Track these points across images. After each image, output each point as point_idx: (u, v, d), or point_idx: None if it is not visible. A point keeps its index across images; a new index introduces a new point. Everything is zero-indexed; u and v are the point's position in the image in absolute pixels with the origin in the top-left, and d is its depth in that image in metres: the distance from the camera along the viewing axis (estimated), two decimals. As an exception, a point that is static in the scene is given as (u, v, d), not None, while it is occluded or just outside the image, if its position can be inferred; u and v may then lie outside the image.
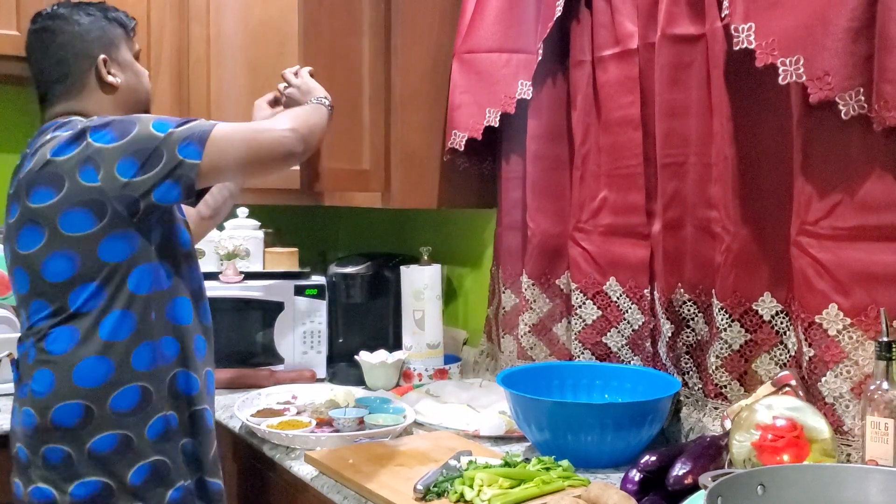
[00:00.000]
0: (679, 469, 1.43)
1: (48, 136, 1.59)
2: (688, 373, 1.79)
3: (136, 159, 1.53)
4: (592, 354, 2.00)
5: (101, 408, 1.54)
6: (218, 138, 1.56)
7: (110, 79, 1.69)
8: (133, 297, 1.56)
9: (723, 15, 1.58)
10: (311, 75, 1.95)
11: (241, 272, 2.48)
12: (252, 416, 1.99)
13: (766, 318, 1.63)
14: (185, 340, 1.65)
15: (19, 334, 1.65)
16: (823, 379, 1.48)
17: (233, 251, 2.49)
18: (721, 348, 1.67)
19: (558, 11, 1.98)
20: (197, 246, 2.49)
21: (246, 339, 2.47)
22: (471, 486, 1.47)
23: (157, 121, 1.57)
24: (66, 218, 1.53)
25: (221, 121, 2.39)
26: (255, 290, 2.45)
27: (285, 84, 1.96)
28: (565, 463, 1.58)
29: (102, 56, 1.69)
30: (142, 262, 1.57)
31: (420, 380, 2.36)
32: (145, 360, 1.58)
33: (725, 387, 1.68)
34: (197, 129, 1.56)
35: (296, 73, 1.97)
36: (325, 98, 1.87)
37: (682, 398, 1.80)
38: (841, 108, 1.40)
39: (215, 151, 1.55)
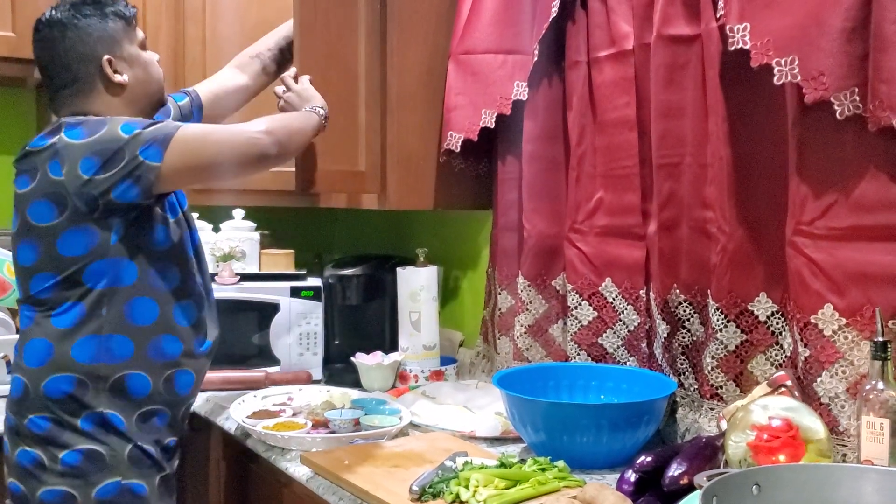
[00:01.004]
0: (675, 469, 1.43)
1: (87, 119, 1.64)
2: (683, 373, 1.79)
3: (98, 158, 1.57)
4: (588, 355, 2.00)
5: (36, 389, 1.62)
6: (182, 140, 1.60)
7: (117, 78, 1.70)
8: (86, 290, 1.63)
9: (718, 15, 1.59)
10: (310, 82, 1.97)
11: (237, 274, 2.48)
12: (248, 417, 1.99)
13: (762, 318, 1.63)
14: (140, 341, 1.67)
15: (17, 336, 1.75)
16: (819, 379, 1.48)
17: (229, 253, 2.49)
18: (717, 349, 1.67)
19: (554, 12, 1.98)
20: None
21: (242, 341, 2.47)
22: (466, 487, 1.47)
23: (127, 123, 1.61)
24: (33, 208, 1.61)
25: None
26: (250, 292, 2.45)
27: (284, 88, 1.96)
28: (561, 464, 1.58)
29: (106, 56, 1.68)
30: (99, 258, 1.62)
31: (416, 381, 2.35)
32: (86, 353, 1.63)
33: (721, 387, 1.68)
34: (161, 132, 1.60)
35: (296, 79, 1.97)
36: (322, 108, 1.90)
37: (677, 399, 1.80)
38: (836, 108, 1.40)
39: (178, 153, 1.59)
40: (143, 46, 1.77)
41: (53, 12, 1.71)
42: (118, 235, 1.63)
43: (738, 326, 1.65)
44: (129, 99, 1.72)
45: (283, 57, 2.18)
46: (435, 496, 1.48)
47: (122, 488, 1.65)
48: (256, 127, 1.68)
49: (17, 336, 1.71)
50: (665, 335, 1.80)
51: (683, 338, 1.78)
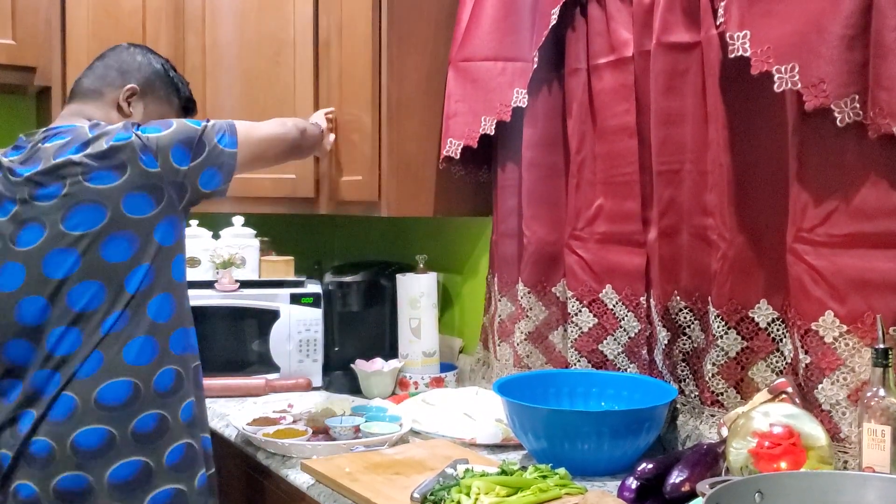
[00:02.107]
0: (676, 477, 1.43)
1: (72, 128, 1.67)
2: (684, 380, 1.79)
3: (187, 148, 1.67)
4: (589, 362, 2.00)
5: (147, 387, 1.63)
6: (244, 130, 1.78)
7: (124, 105, 1.79)
8: (177, 284, 1.70)
9: (718, 23, 1.59)
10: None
11: (237, 281, 2.48)
12: (248, 424, 1.99)
13: (763, 325, 1.63)
14: (192, 332, 1.76)
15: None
16: (820, 386, 1.48)
17: (228, 260, 2.49)
18: (717, 356, 1.67)
19: (553, 19, 1.99)
20: (193, 254, 2.51)
21: (241, 348, 2.47)
22: (468, 495, 1.46)
23: (193, 120, 1.73)
24: (128, 200, 1.63)
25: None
26: (250, 299, 2.45)
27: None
28: (562, 471, 1.58)
29: (134, 86, 1.80)
30: (179, 252, 1.71)
31: (416, 388, 2.35)
32: (180, 345, 1.69)
33: (722, 394, 1.68)
34: (224, 123, 1.76)
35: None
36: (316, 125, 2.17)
37: (678, 406, 1.80)
38: (836, 115, 1.41)
39: (245, 142, 1.77)
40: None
41: (145, 46, 1.92)
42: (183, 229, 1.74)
43: (738, 333, 1.65)
44: None
45: None
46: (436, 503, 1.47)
47: (210, 479, 1.72)
48: (284, 122, 1.96)
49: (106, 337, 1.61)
50: (666, 342, 1.80)
51: (684, 344, 1.78)
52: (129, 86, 1.79)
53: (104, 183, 1.61)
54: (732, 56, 1.52)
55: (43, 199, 1.62)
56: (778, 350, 1.62)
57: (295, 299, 2.46)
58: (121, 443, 1.58)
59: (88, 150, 1.62)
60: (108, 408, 1.58)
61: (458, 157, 2.21)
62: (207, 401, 2.23)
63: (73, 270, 1.59)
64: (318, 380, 2.46)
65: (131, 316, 1.62)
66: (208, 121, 1.75)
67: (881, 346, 1.35)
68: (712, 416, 1.70)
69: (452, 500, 1.46)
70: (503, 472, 1.56)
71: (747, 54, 1.48)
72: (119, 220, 1.61)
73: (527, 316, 2.14)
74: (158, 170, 1.64)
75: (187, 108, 1.93)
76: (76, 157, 1.61)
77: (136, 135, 1.64)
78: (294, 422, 2.02)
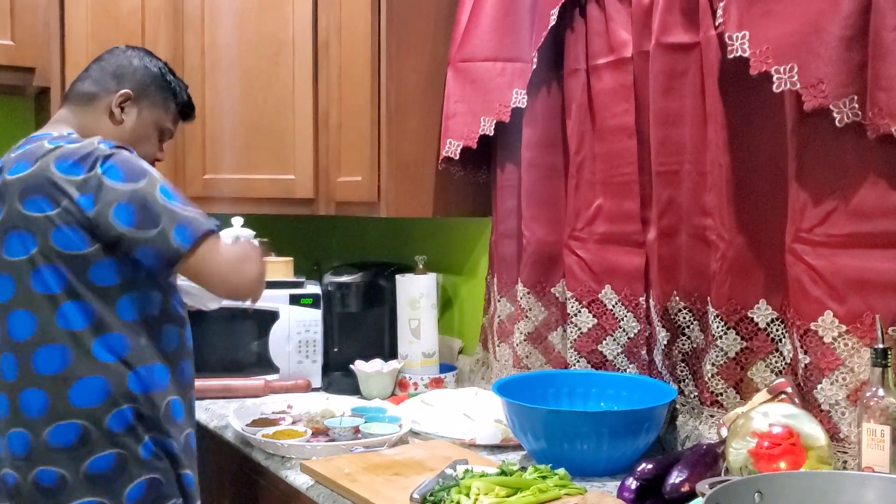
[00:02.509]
0: (675, 477, 1.43)
1: (48, 146, 1.60)
2: (683, 380, 1.79)
3: (135, 211, 1.55)
4: (588, 362, 2.00)
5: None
6: (209, 246, 1.60)
7: (116, 111, 1.73)
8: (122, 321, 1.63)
9: (717, 23, 1.59)
10: None
11: (236, 281, 2.48)
12: (247, 425, 1.99)
13: (762, 325, 1.63)
14: None
15: None
16: (819, 386, 1.48)
17: (228, 260, 2.49)
18: (717, 356, 1.67)
19: (553, 20, 1.99)
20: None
21: (240, 349, 2.47)
22: (467, 495, 1.46)
23: (165, 184, 1.60)
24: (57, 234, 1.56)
25: (216, 129, 2.43)
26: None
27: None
28: (562, 471, 1.58)
29: (128, 91, 1.74)
30: (127, 292, 1.62)
31: (416, 389, 2.35)
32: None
33: (721, 394, 1.68)
34: (197, 220, 1.59)
35: None
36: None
37: (678, 406, 1.80)
38: (835, 115, 1.41)
39: (202, 254, 1.59)
40: (163, 135, 1.83)
41: (142, 48, 1.85)
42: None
43: (737, 333, 1.65)
44: (115, 137, 1.70)
45: None
46: (436, 504, 1.47)
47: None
48: (256, 278, 1.69)
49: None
50: (665, 342, 1.80)
51: (683, 345, 1.78)
52: (122, 91, 1.74)
53: (34, 211, 1.56)
54: (731, 56, 1.52)
55: None
56: (777, 350, 1.62)
57: (294, 300, 2.46)
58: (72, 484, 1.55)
59: (33, 171, 1.57)
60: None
61: (458, 157, 2.21)
62: (207, 402, 2.25)
63: (7, 297, 1.59)
64: (317, 381, 2.46)
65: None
66: (181, 204, 1.59)
67: (880, 345, 1.35)
68: (712, 416, 1.70)
69: (452, 501, 1.46)
70: (503, 473, 1.56)
71: (746, 55, 1.49)
72: (48, 252, 1.55)
73: (526, 316, 2.14)
74: (94, 214, 1.54)
75: (185, 113, 1.87)
76: (18, 176, 1.58)
77: (93, 173, 1.55)
78: (293, 423, 2.02)
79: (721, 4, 1.55)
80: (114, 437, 1.56)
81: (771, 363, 1.63)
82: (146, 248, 1.56)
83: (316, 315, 2.47)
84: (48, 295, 1.56)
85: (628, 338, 1.93)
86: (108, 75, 1.75)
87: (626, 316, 1.93)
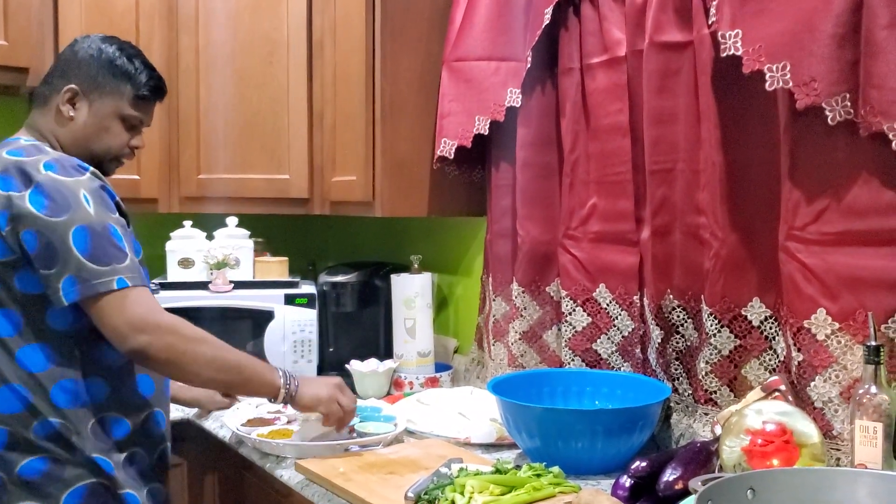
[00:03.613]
0: (669, 475, 1.43)
1: (2, 148, 1.60)
2: (678, 379, 1.79)
3: (38, 244, 1.50)
4: (583, 361, 2.00)
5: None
6: (104, 304, 1.50)
7: (63, 108, 1.66)
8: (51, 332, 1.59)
9: (710, 22, 1.59)
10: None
11: (231, 281, 2.48)
12: (242, 425, 1.99)
13: (755, 323, 1.63)
14: None
15: None
16: (812, 383, 1.49)
17: (222, 260, 2.49)
18: (710, 354, 1.67)
19: (547, 19, 1.99)
20: (187, 255, 2.51)
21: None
22: (462, 494, 1.46)
23: (89, 227, 1.51)
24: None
25: (211, 129, 2.39)
26: (244, 300, 2.45)
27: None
28: (556, 469, 1.58)
29: (73, 86, 1.67)
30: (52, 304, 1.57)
31: (411, 388, 2.35)
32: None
33: (715, 392, 1.68)
34: (97, 275, 1.49)
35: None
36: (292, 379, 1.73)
37: (672, 404, 1.80)
38: (827, 113, 1.41)
39: (95, 310, 1.51)
40: (132, 125, 1.72)
41: (91, 36, 1.73)
42: None
43: (731, 331, 1.65)
44: (70, 136, 1.68)
45: None
46: (430, 503, 1.47)
47: None
48: (150, 327, 1.53)
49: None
50: (659, 340, 1.80)
51: (677, 343, 1.79)
52: (67, 87, 1.66)
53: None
54: (724, 55, 1.52)
55: None
56: (771, 348, 1.62)
57: (289, 300, 2.46)
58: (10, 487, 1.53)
59: None
60: None
61: (452, 156, 2.21)
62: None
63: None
64: (312, 380, 2.45)
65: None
66: (102, 258, 1.51)
67: (873, 343, 1.35)
68: (706, 414, 1.71)
69: (446, 500, 1.46)
70: (497, 471, 1.56)
71: (739, 53, 1.49)
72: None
73: (521, 315, 2.14)
74: (6, 231, 1.52)
75: (142, 96, 1.72)
76: None
77: (19, 195, 1.51)
78: (288, 422, 2.01)
79: (714, 3, 1.56)
80: (40, 443, 1.53)
81: (764, 361, 1.63)
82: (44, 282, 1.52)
83: (311, 315, 2.47)
84: None
85: (622, 336, 1.93)
86: (57, 72, 1.70)
87: (620, 314, 1.93)
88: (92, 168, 1.61)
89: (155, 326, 1.52)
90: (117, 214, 1.59)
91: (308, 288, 2.52)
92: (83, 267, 1.49)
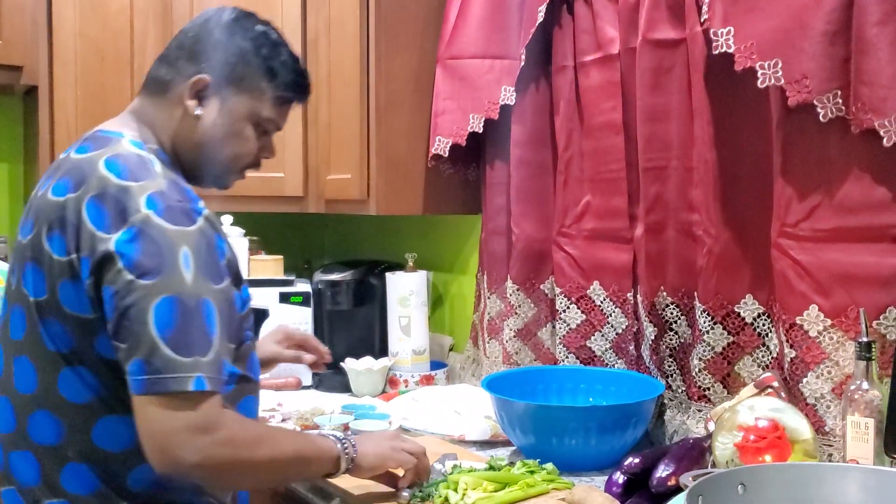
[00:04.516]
0: (662, 471, 1.43)
1: (100, 172, 1.23)
2: (671, 375, 1.80)
3: (115, 311, 1.18)
4: (577, 358, 2.01)
5: None
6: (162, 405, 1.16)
7: (189, 104, 1.34)
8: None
9: (702, 19, 1.60)
10: None
11: (226, 280, 2.48)
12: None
13: (748, 320, 1.64)
14: None
15: None
16: (805, 380, 1.49)
17: (217, 259, 2.49)
18: (704, 351, 1.68)
19: (540, 17, 1.99)
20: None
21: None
22: (455, 490, 1.47)
23: (169, 305, 1.16)
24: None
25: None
26: (240, 298, 2.44)
27: None
28: (550, 466, 1.58)
29: (205, 76, 1.34)
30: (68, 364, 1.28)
31: (406, 386, 2.36)
32: None
33: (709, 389, 1.69)
34: (173, 369, 1.15)
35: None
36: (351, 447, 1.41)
37: (665, 401, 1.81)
38: (819, 110, 1.41)
39: (142, 411, 1.17)
40: (262, 129, 1.41)
41: (229, 11, 1.40)
42: None
43: (724, 328, 1.66)
44: (190, 136, 1.36)
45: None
46: (424, 499, 1.48)
47: None
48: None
49: None
50: (653, 337, 1.81)
51: (671, 340, 1.79)
52: (197, 77, 1.34)
53: (54, 251, 1.23)
54: (717, 52, 1.53)
55: (23, 236, 1.30)
56: (763, 345, 1.63)
57: (284, 298, 2.46)
58: None
59: (69, 199, 1.23)
60: None
61: (447, 154, 2.21)
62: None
63: (19, 337, 1.29)
64: (307, 379, 2.45)
65: None
66: (179, 336, 1.16)
67: (865, 339, 1.35)
68: (699, 410, 1.71)
69: (440, 496, 1.47)
70: (491, 468, 1.57)
71: (731, 50, 1.49)
72: (53, 303, 1.24)
73: (515, 313, 2.14)
74: (87, 284, 1.20)
75: (287, 98, 1.42)
76: (55, 200, 1.24)
77: (106, 237, 1.18)
78: (283, 420, 2.02)
79: (706, 1, 1.56)
80: None
81: (757, 357, 1.64)
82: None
83: (306, 313, 2.47)
84: (54, 352, 1.24)
85: (616, 333, 1.93)
86: (185, 53, 1.36)
87: (614, 312, 1.93)
88: (207, 212, 1.26)
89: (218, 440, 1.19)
90: (225, 282, 1.24)
91: (303, 286, 2.52)
92: (160, 353, 1.15)
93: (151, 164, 1.26)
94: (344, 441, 1.40)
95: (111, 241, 1.18)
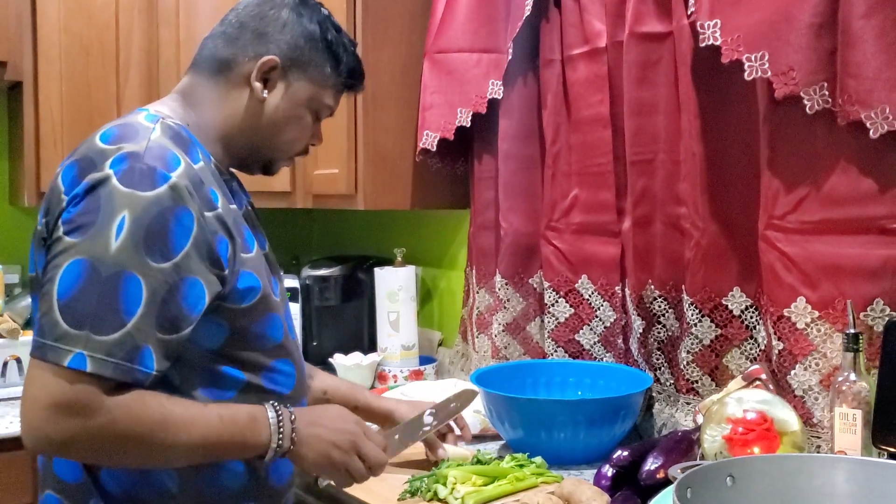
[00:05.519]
0: (651, 464, 1.43)
1: (97, 144, 1.17)
2: (659, 368, 1.80)
3: (41, 267, 1.15)
4: (565, 352, 2.01)
5: None
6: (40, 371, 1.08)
7: (257, 86, 1.28)
8: None
9: (689, 12, 1.60)
10: None
11: (214, 276, 2.46)
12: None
13: (736, 312, 1.64)
14: None
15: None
16: (793, 372, 1.49)
17: (205, 255, 2.48)
18: (692, 344, 1.68)
19: (528, 11, 1.99)
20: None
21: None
22: (444, 484, 1.47)
23: (78, 268, 1.08)
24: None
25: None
26: (227, 294, 2.43)
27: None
28: (539, 460, 1.58)
29: (274, 58, 1.28)
30: None
31: (395, 381, 2.35)
32: None
33: (697, 382, 1.69)
34: (59, 335, 1.07)
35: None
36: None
37: (654, 394, 1.81)
38: (806, 102, 1.42)
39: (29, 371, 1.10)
40: (316, 116, 1.37)
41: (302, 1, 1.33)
42: None
43: (712, 321, 1.66)
44: (244, 120, 1.30)
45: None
46: (413, 494, 1.48)
47: None
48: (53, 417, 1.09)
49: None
50: (641, 331, 1.81)
51: (659, 333, 1.79)
52: (266, 57, 1.27)
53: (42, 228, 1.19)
54: (703, 45, 1.53)
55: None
56: (751, 337, 1.63)
57: (272, 294, 2.45)
58: None
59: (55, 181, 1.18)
60: None
61: (435, 149, 2.21)
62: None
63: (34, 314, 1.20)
64: (296, 374, 2.45)
65: None
66: (84, 303, 1.07)
67: (852, 331, 1.36)
68: (688, 403, 1.72)
69: (429, 490, 1.47)
70: (479, 462, 1.57)
71: (718, 43, 1.49)
72: (35, 280, 1.20)
73: (504, 307, 2.14)
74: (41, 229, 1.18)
75: (348, 85, 1.38)
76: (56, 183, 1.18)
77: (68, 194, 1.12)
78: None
79: (693, -7, 1.56)
80: None
81: (745, 350, 1.64)
82: None
83: (294, 309, 2.46)
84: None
85: (605, 327, 1.94)
86: (248, 33, 1.29)
87: (602, 305, 1.93)
88: (183, 182, 1.14)
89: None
90: (173, 261, 1.11)
91: (291, 282, 2.51)
92: (49, 315, 1.08)
93: (148, 132, 1.18)
94: (281, 433, 1.22)
95: (63, 201, 1.13)
